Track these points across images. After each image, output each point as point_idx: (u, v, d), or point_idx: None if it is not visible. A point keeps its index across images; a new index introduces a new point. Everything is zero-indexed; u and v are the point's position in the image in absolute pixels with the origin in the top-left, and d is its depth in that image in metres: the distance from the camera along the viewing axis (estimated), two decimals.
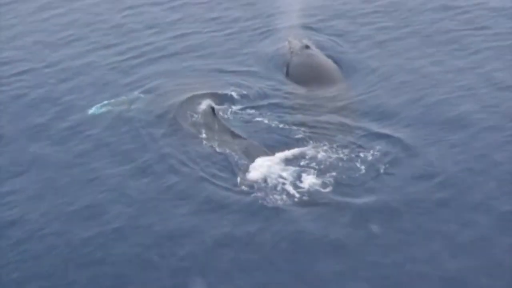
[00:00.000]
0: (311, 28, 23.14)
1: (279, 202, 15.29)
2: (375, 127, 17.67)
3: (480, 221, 14.79)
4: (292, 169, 16.03)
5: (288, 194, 15.45)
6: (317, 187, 15.54)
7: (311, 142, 17.03)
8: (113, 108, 19.23)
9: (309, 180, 15.71)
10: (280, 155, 16.41)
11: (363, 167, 16.15)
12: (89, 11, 24.80)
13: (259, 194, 15.45)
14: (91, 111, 19.33)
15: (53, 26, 23.85)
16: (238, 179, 15.90)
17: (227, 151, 16.79)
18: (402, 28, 22.87)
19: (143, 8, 24.96)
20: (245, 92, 19.40)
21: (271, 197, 15.41)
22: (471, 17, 23.16)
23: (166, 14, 24.55)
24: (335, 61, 20.87)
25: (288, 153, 16.48)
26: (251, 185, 15.69)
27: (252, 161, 16.34)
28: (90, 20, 24.17)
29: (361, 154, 16.48)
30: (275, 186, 15.65)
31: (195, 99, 18.98)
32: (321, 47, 21.66)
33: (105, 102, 19.54)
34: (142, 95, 19.72)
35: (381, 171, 16.00)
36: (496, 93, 18.98)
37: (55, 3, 25.42)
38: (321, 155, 16.50)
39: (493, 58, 20.66)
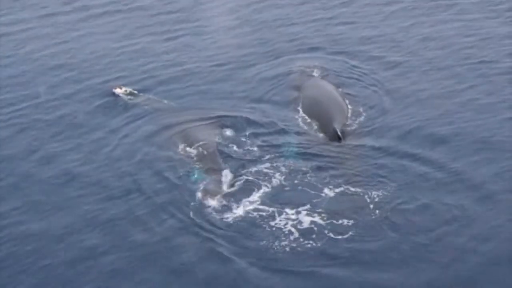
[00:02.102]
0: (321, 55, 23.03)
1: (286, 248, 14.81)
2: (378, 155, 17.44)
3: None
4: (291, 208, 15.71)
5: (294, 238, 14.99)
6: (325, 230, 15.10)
7: (316, 179, 16.69)
8: (131, 98, 20.08)
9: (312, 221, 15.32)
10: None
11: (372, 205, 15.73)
12: (85, 40, 24.53)
13: (262, 241, 14.99)
14: (117, 90, 20.48)
15: (46, 56, 23.51)
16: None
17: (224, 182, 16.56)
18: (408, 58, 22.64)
19: (138, 38, 24.62)
20: (254, 119, 19.20)
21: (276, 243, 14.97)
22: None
23: (167, 44, 24.18)
24: (341, 87, 20.68)
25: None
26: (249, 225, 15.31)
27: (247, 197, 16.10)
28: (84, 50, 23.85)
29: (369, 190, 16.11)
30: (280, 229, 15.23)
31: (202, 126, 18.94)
32: (329, 73, 21.55)
33: (129, 89, 20.45)
34: (166, 101, 20.00)
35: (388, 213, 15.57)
36: None
37: (49, 35, 25.12)
38: (328, 192, 16.15)
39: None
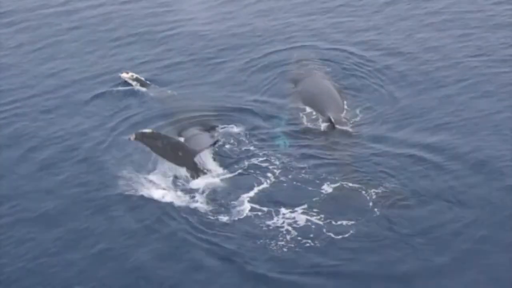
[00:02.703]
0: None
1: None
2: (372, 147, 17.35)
3: None
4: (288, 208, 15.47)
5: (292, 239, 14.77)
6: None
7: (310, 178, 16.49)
8: (137, 84, 20.39)
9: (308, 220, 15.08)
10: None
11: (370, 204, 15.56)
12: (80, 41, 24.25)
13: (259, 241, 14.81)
14: (123, 75, 20.55)
15: (41, 57, 23.21)
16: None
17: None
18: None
19: (133, 29, 24.47)
20: (248, 112, 19.09)
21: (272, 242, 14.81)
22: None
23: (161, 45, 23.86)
24: (337, 78, 20.68)
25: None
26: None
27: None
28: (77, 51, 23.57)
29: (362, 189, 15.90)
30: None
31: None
32: (325, 64, 21.47)
33: (136, 75, 20.52)
34: (169, 91, 20.12)
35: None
36: None
37: (43, 26, 25.02)
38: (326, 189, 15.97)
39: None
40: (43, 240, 15.08)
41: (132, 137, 16.30)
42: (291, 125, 18.47)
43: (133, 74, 20.78)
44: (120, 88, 20.51)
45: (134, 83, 20.52)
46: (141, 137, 16.15)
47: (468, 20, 23.84)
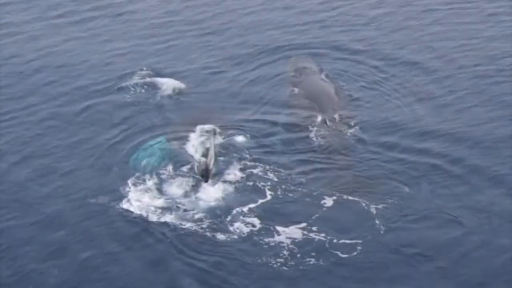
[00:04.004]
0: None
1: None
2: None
3: None
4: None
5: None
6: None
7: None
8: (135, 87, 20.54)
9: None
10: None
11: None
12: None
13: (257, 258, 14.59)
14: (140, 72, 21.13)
15: (32, 59, 23.12)
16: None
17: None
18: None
19: (127, 42, 24.24)
20: (246, 120, 19.06)
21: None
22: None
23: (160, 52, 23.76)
24: (333, 80, 20.80)
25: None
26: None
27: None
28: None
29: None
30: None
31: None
32: (322, 69, 21.49)
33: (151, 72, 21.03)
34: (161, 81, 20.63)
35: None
36: None
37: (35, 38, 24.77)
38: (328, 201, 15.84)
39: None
40: (36, 247, 15.00)
41: None
42: (288, 131, 18.47)
43: (149, 71, 21.36)
44: (132, 84, 20.83)
45: (149, 80, 20.96)
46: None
47: (468, 31, 23.89)
